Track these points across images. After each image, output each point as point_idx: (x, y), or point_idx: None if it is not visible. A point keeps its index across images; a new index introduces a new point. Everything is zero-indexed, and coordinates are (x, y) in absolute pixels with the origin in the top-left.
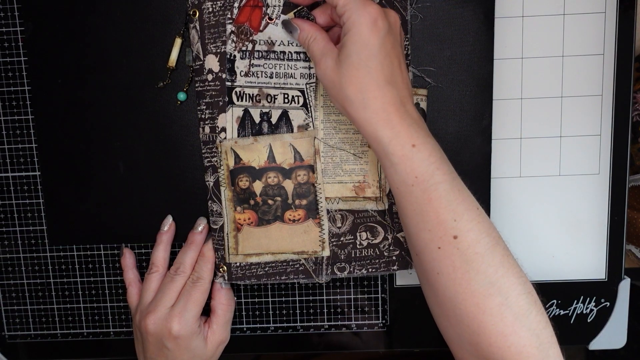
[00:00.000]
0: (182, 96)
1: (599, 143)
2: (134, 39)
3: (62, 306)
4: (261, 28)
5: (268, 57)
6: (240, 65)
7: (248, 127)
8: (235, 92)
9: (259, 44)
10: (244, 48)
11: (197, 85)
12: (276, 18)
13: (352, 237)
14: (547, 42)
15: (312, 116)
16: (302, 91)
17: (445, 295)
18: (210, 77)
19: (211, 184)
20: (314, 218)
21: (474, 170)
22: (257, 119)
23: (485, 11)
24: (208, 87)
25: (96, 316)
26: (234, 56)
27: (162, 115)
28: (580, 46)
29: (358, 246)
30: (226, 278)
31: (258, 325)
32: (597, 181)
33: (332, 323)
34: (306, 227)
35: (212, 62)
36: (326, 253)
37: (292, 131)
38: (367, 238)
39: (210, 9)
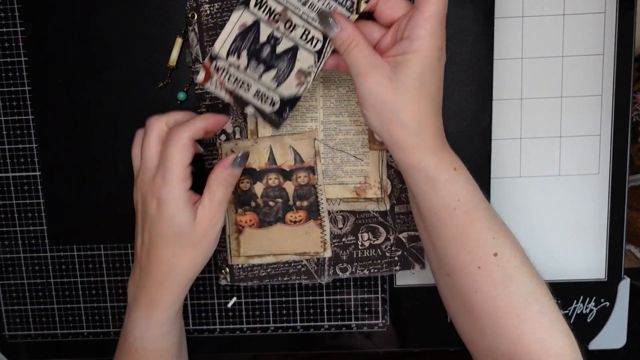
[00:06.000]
0: (182, 96)
1: (598, 143)
2: (134, 39)
3: (62, 306)
4: None
5: None
6: None
7: (248, 40)
8: None
9: None
10: None
11: (196, 88)
12: None
13: (354, 237)
14: (547, 42)
15: (318, 67)
16: (326, 38)
17: (483, 311)
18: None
19: None
20: (315, 219)
21: (474, 170)
22: (262, 39)
23: (485, 11)
24: (208, 90)
25: (96, 316)
26: None
27: None
28: (580, 46)
29: (360, 247)
30: (228, 280)
31: (258, 325)
32: (597, 181)
33: (332, 323)
34: (307, 229)
35: None
36: (328, 254)
37: (291, 70)
38: (368, 239)
39: (208, 12)
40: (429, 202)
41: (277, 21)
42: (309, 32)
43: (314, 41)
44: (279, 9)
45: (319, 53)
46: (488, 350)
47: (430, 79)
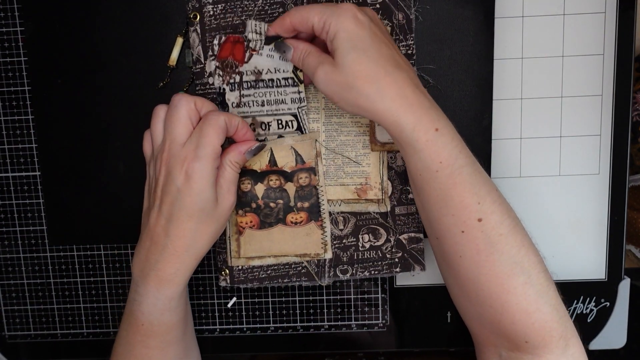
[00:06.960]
0: None
1: (599, 143)
2: (134, 39)
3: (62, 306)
4: (246, 60)
5: (257, 86)
6: (231, 97)
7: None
8: None
9: (246, 75)
10: (231, 81)
11: (197, 88)
12: (259, 49)
13: (355, 239)
14: (547, 42)
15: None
16: (294, 115)
17: (468, 277)
18: (211, 80)
19: None
20: (316, 220)
21: None
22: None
23: (485, 11)
24: (209, 91)
25: (96, 316)
26: (223, 89)
27: None
28: (580, 46)
29: (360, 248)
30: (228, 281)
31: (258, 325)
32: (597, 181)
33: (332, 323)
34: (308, 230)
35: (212, 66)
36: (328, 255)
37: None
38: (369, 240)
39: (212, 12)
40: (413, 163)
41: (254, 130)
42: (280, 121)
43: (290, 123)
44: (249, 121)
45: (299, 128)
46: (475, 316)
47: (362, 44)
